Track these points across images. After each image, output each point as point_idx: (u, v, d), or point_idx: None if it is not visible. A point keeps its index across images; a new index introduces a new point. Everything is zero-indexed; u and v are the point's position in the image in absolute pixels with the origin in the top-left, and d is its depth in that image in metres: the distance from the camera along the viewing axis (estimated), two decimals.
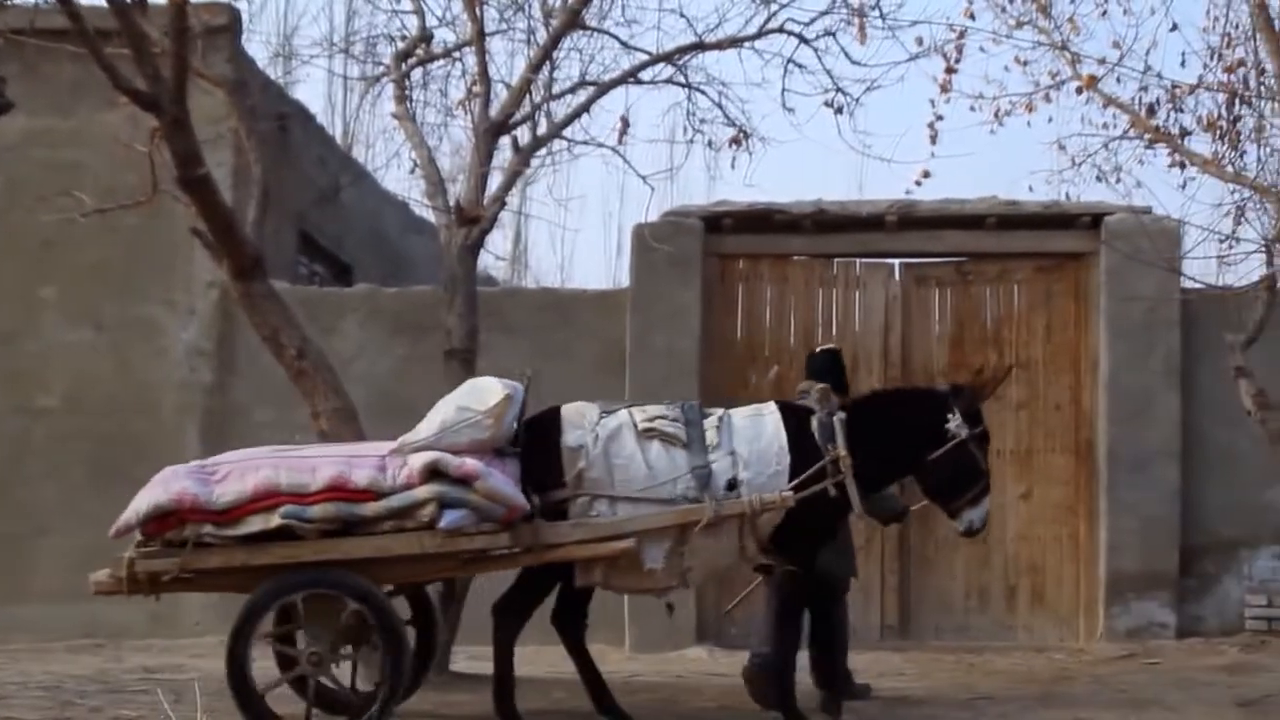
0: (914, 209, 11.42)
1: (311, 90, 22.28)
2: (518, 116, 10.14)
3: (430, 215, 11.55)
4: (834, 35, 10.75)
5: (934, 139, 12.10)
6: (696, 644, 10.88)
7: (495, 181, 9.96)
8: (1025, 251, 11.59)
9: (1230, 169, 11.00)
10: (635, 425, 7.41)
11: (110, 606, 11.30)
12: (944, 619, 11.34)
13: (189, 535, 6.75)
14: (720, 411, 7.63)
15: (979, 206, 11.43)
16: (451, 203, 9.73)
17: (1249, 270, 12.91)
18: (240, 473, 6.81)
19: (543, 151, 10.53)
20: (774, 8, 10.51)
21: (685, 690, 8.85)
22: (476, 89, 10.28)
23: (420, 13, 10.73)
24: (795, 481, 7.29)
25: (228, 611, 11.18)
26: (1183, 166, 11.68)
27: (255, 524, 6.75)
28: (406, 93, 10.55)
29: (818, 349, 9.12)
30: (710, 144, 11.22)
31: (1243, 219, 10.86)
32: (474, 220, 9.55)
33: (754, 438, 7.43)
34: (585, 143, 10.66)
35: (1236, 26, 11.55)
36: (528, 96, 10.22)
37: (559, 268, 24.66)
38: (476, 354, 9.64)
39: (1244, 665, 9.82)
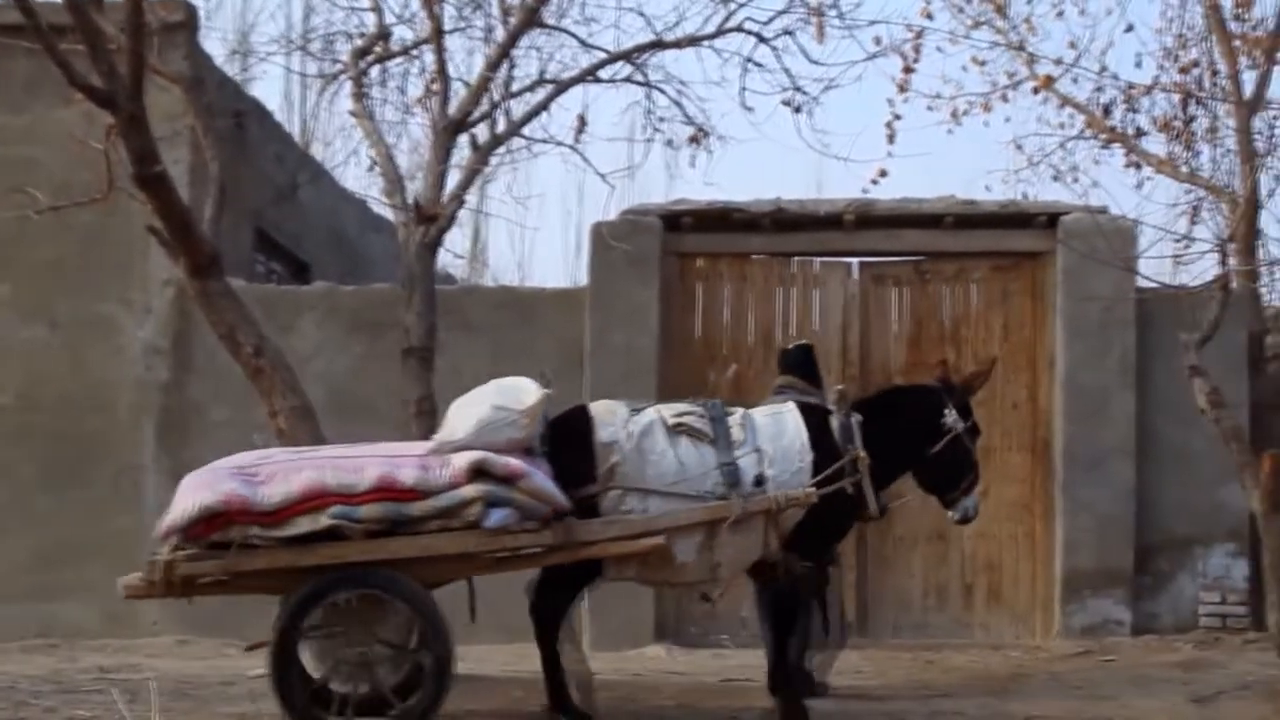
0: (872, 208, 11.45)
1: (269, 87, 22.17)
2: (476, 114, 10.12)
3: (389, 213, 11.52)
4: (792, 34, 10.79)
5: (892, 138, 12.19)
6: (655, 642, 10.88)
7: (454, 179, 9.95)
8: (982, 251, 11.62)
9: (1185, 169, 11.11)
10: (665, 422, 7.52)
11: (66, 606, 11.31)
12: (902, 617, 11.38)
13: (235, 537, 6.64)
14: (741, 410, 7.78)
15: (937, 206, 11.47)
16: (410, 201, 9.70)
17: (1203, 270, 13.03)
18: (285, 473, 6.74)
19: (501, 150, 10.52)
20: (732, 7, 10.55)
21: (643, 689, 8.85)
22: (435, 87, 10.27)
23: (378, 10, 10.72)
24: (817, 479, 7.46)
25: (185, 612, 11.18)
26: (1138, 167, 11.80)
27: (303, 525, 6.68)
28: (364, 90, 10.53)
29: (790, 344, 9.24)
30: (669, 143, 11.25)
31: (1197, 219, 10.98)
32: (432, 218, 9.53)
33: (777, 435, 7.60)
34: (544, 141, 10.68)
35: (1191, 28, 11.69)
36: (486, 94, 10.21)
37: (518, 266, 24.66)
38: (435, 352, 9.63)
39: (1198, 662, 9.89)
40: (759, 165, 21.79)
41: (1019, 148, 12.22)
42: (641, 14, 10.81)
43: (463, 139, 10.11)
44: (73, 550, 11.38)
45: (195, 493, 6.62)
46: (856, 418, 7.75)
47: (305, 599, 6.74)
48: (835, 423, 7.74)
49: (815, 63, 10.89)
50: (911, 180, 13.20)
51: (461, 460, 6.85)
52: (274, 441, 9.36)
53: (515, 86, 10.61)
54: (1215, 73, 11.34)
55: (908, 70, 12.08)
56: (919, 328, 11.65)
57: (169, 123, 10.53)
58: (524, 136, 10.51)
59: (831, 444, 7.64)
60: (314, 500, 6.66)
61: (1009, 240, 11.57)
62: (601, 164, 23.91)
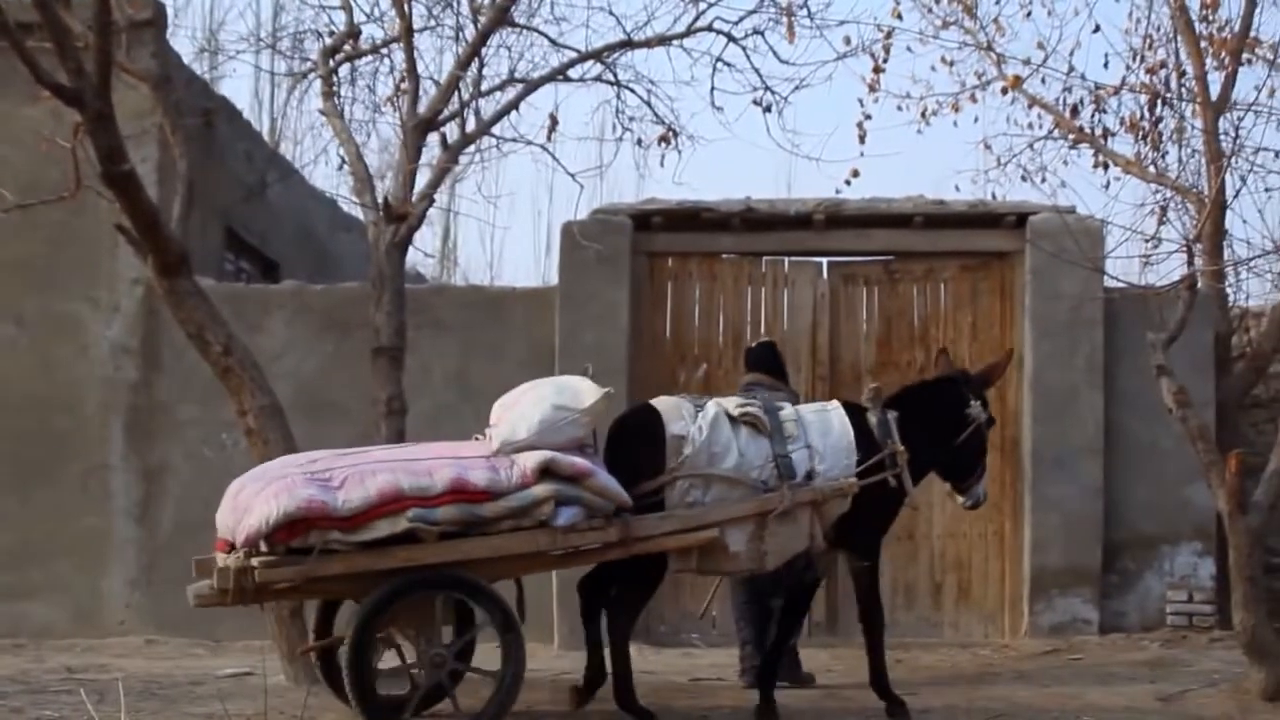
0: (842, 208, 11.47)
1: (238, 86, 22.07)
2: (446, 113, 10.12)
3: (358, 212, 11.49)
4: (762, 34, 10.82)
5: (863, 138, 12.21)
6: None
7: (423, 178, 9.94)
8: (952, 250, 11.65)
9: (1152, 169, 11.16)
10: (729, 413, 7.77)
11: (33, 606, 11.26)
12: None
13: (315, 542, 6.70)
14: (788, 406, 8.10)
15: (906, 206, 11.50)
16: (379, 200, 9.69)
17: (1170, 270, 13.10)
18: (359, 477, 6.81)
19: (471, 148, 10.52)
20: (702, 6, 10.59)
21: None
22: (404, 85, 10.26)
23: (348, 8, 10.69)
24: (859, 471, 7.81)
25: (152, 612, 11.21)
26: (1106, 167, 11.84)
27: (382, 528, 6.77)
28: (334, 89, 10.51)
29: (755, 342, 9.40)
30: (639, 142, 11.27)
31: (1164, 219, 11.02)
32: (402, 217, 9.52)
33: (825, 432, 7.91)
34: (514, 140, 10.68)
35: (1158, 29, 11.74)
36: (456, 93, 10.21)
37: (488, 265, 24.58)
38: (404, 351, 9.62)
39: (1164, 660, 9.95)
40: (729, 165, 21.86)
41: (988, 148, 12.27)
42: (612, 13, 10.82)
43: (433, 138, 10.12)
44: (40, 550, 11.33)
45: (275, 498, 6.64)
46: (892, 414, 8.06)
47: (382, 600, 6.86)
48: (873, 419, 8.03)
49: (785, 62, 10.94)
50: (881, 180, 13.27)
51: (530, 460, 7.02)
52: (242, 441, 9.36)
53: (485, 85, 10.61)
54: (1182, 74, 11.38)
55: (878, 70, 12.12)
56: (888, 327, 11.68)
57: (137, 121, 10.50)
58: (494, 135, 10.52)
59: (872, 440, 7.95)
60: (391, 504, 6.76)
61: (978, 240, 11.60)
62: (572, 163, 23.89)
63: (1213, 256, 10.47)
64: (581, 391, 7.40)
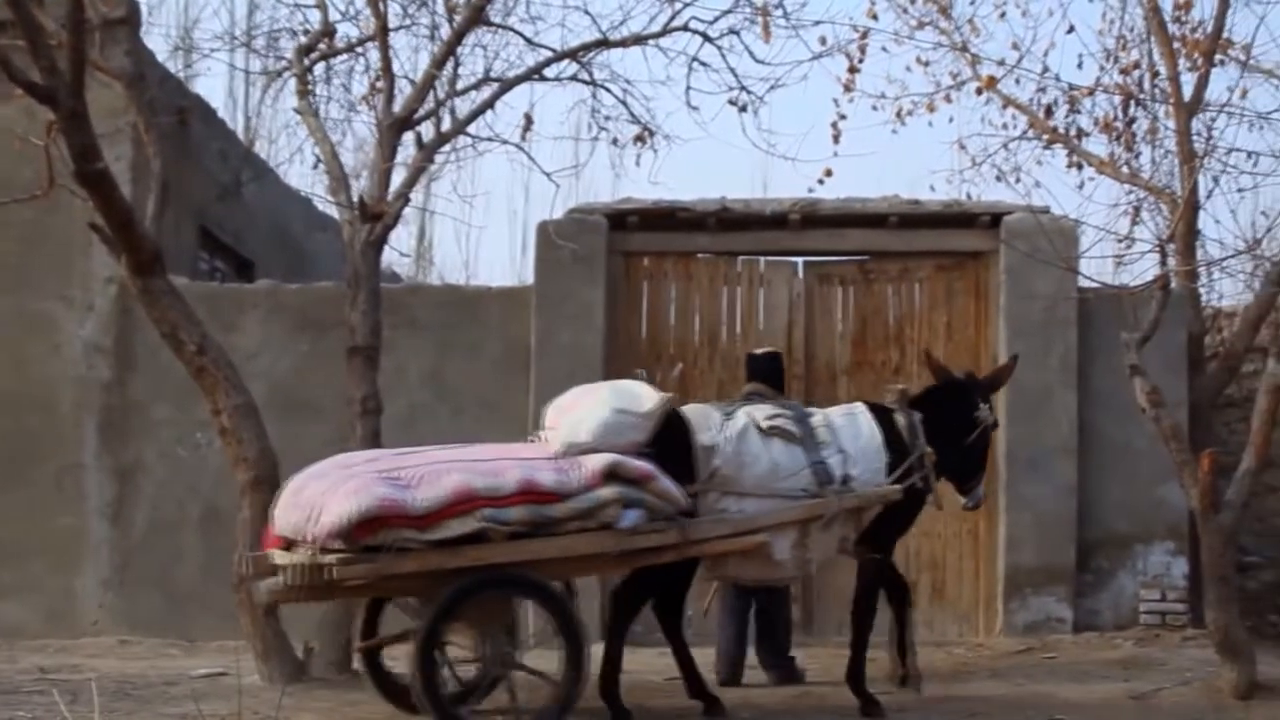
0: (817, 208, 11.48)
1: (212, 84, 22.06)
2: (421, 112, 10.10)
3: (333, 211, 11.47)
4: (738, 34, 10.82)
5: (837, 138, 12.22)
6: (600, 641, 10.85)
7: (399, 178, 9.92)
8: (926, 250, 11.67)
9: (1125, 170, 11.20)
10: (758, 424, 7.84)
11: (6, 606, 11.21)
12: (846, 615, 11.29)
13: (388, 540, 6.74)
14: (818, 410, 8.30)
15: (881, 205, 11.51)
16: (355, 199, 9.67)
17: (1144, 270, 13.13)
18: (432, 477, 6.88)
19: (447, 148, 10.50)
20: (678, 6, 10.56)
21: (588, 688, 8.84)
22: (380, 84, 10.23)
23: (323, 7, 10.66)
24: (893, 476, 8.02)
25: (125, 612, 11.17)
26: (1080, 167, 11.89)
27: (454, 528, 6.85)
28: (309, 88, 10.47)
29: (758, 351, 9.44)
30: (615, 141, 11.27)
31: (1138, 219, 11.07)
32: (377, 216, 9.50)
33: (856, 436, 8.07)
34: (489, 139, 10.67)
35: (1132, 30, 11.78)
36: (431, 92, 10.19)
37: (464, 264, 24.62)
38: (380, 351, 9.60)
39: (1138, 659, 9.98)
40: (705, 164, 21.87)
41: (963, 148, 12.31)
42: (587, 13, 10.78)
43: (408, 137, 10.08)
44: (13, 549, 11.28)
45: (352, 497, 6.68)
46: (917, 415, 8.27)
47: (453, 599, 6.94)
48: (901, 421, 8.23)
49: (761, 62, 10.93)
50: (857, 180, 13.34)
51: (596, 463, 7.15)
52: (217, 441, 9.34)
53: (461, 84, 10.60)
54: (1155, 74, 11.43)
55: (853, 70, 12.13)
56: (863, 327, 11.70)
57: (111, 119, 10.46)
58: (469, 135, 10.50)
59: (900, 442, 8.15)
60: (464, 504, 6.84)
61: (953, 240, 11.63)
62: (547, 163, 23.81)
63: (1186, 257, 10.53)
64: (641, 396, 7.59)
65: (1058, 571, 11.05)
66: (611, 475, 7.14)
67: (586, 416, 7.39)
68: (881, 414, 8.26)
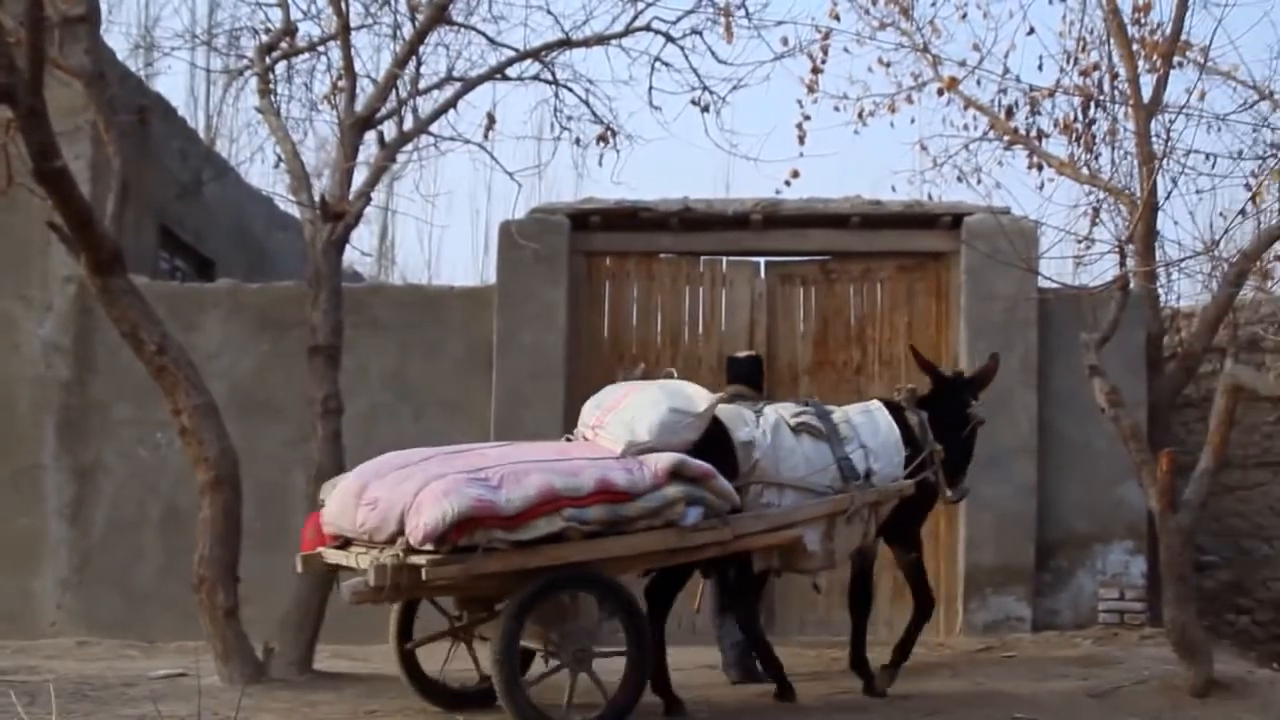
0: (779, 208, 11.51)
1: (173, 83, 21.86)
2: (383, 111, 10.07)
3: (295, 210, 11.42)
4: (700, 34, 10.82)
5: (802, 139, 12.24)
6: None
7: (360, 177, 9.88)
8: (888, 250, 11.71)
9: (1085, 171, 11.25)
10: (788, 421, 8.19)
11: None
12: (808, 614, 11.42)
13: (480, 541, 6.85)
14: (835, 408, 8.62)
15: (843, 206, 11.54)
16: (316, 198, 9.63)
17: (1103, 270, 13.22)
18: (515, 477, 6.99)
19: (409, 147, 10.46)
20: (640, 6, 10.56)
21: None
22: (341, 83, 10.20)
23: (284, 6, 10.61)
24: (908, 471, 8.51)
25: (83, 613, 11.10)
26: (1040, 168, 11.93)
27: (541, 527, 6.99)
28: (270, 86, 10.43)
29: (740, 355, 9.65)
30: (577, 141, 11.25)
31: (1097, 220, 11.12)
32: (339, 215, 9.48)
33: (875, 432, 8.48)
34: (452, 139, 10.63)
35: (1091, 32, 11.82)
36: (394, 91, 10.16)
37: (426, 264, 24.55)
38: (341, 350, 9.57)
39: (1096, 657, 10.03)
40: (667, 165, 21.92)
41: (924, 149, 12.33)
42: (550, 12, 10.76)
43: (370, 136, 10.05)
44: None
45: (447, 499, 6.74)
46: (924, 414, 8.76)
47: (533, 597, 7.06)
48: (913, 419, 8.71)
49: (723, 62, 10.94)
50: (818, 180, 13.34)
51: (662, 462, 7.35)
52: (177, 441, 9.30)
53: (423, 84, 10.56)
54: (1115, 76, 11.49)
55: (815, 71, 12.15)
56: (825, 327, 11.73)
57: (70, 117, 10.39)
58: (431, 134, 10.47)
59: (913, 439, 8.63)
60: (549, 504, 6.99)
61: (914, 240, 11.67)
62: (510, 162, 23.75)
63: (1145, 257, 10.58)
64: (694, 396, 7.79)
65: (1017, 571, 11.10)
66: (676, 474, 7.35)
67: (642, 415, 7.57)
68: (895, 411, 8.66)
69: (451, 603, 8.10)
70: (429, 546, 6.72)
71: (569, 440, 8.07)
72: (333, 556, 7.44)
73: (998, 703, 8.32)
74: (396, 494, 6.95)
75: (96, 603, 11.22)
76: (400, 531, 6.86)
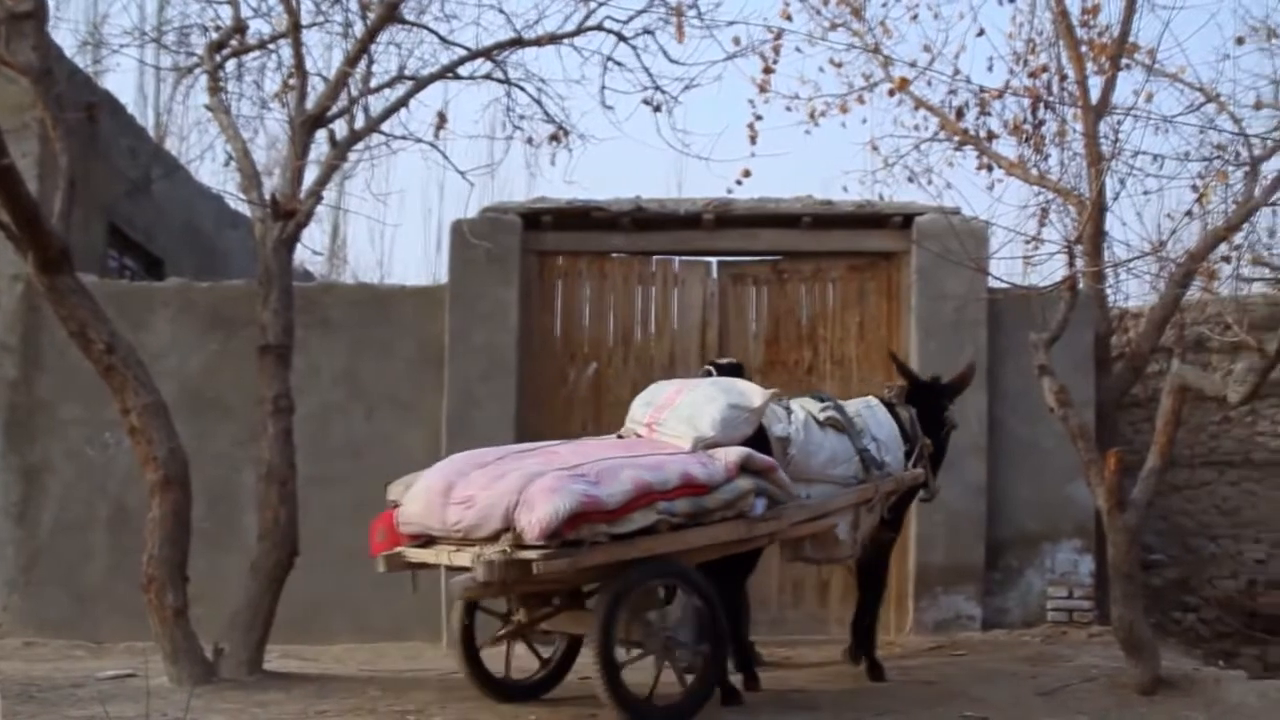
0: (731, 208, 11.54)
1: (122, 80, 21.73)
2: (334, 110, 10.02)
3: (245, 209, 11.36)
4: (652, 34, 10.80)
5: (754, 139, 12.24)
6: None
7: (312, 175, 9.84)
8: (839, 250, 11.76)
9: (1034, 172, 11.28)
10: (815, 417, 8.59)
11: None
12: (759, 613, 11.39)
13: (586, 536, 7.05)
14: (845, 403, 9.05)
15: (794, 206, 11.58)
16: (267, 196, 9.59)
17: (1052, 271, 13.28)
18: (610, 473, 7.25)
19: (360, 145, 10.41)
20: (592, 5, 10.53)
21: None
22: (292, 81, 10.14)
23: (234, 3, 10.54)
24: (909, 463, 9.08)
25: (30, 613, 11.02)
26: (990, 169, 11.95)
27: (637, 521, 7.25)
28: (220, 84, 10.36)
29: (721, 361, 9.82)
30: (530, 140, 11.20)
31: (1046, 221, 11.16)
32: (289, 214, 9.44)
33: (879, 426, 8.94)
34: (403, 138, 10.57)
35: (1040, 33, 11.84)
36: (345, 90, 10.11)
37: (378, 263, 24.46)
38: (292, 349, 9.53)
39: (1045, 655, 10.10)
40: (620, 164, 21.89)
41: (875, 149, 12.31)
42: (502, 11, 10.70)
43: (321, 134, 10.00)
44: None
45: (554, 495, 6.94)
46: (913, 410, 9.28)
47: (628, 589, 7.32)
48: (904, 415, 9.21)
49: (675, 62, 10.92)
50: (770, 181, 13.33)
51: (732, 455, 7.68)
52: (125, 440, 9.23)
53: (374, 82, 10.50)
54: (1064, 77, 11.52)
55: (767, 71, 12.16)
56: (777, 326, 11.77)
57: (17, 115, 10.36)
58: (383, 133, 10.42)
59: (906, 434, 9.12)
60: (644, 498, 7.27)
61: (865, 240, 11.73)
62: (462, 161, 23.75)
63: (1093, 258, 10.62)
64: (748, 392, 8.13)
65: (967, 570, 11.16)
66: (745, 467, 7.69)
67: (702, 411, 7.90)
68: (889, 408, 9.11)
69: (508, 601, 8.29)
70: (540, 541, 6.92)
71: (620, 438, 8.35)
72: (416, 555, 7.66)
73: (947, 701, 8.36)
74: (495, 492, 7.17)
75: (44, 603, 11.14)
76: (506, 528, 7.06)
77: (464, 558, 7.24)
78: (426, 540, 7.65)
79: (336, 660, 10.14)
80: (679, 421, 7.92)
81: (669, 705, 7.41)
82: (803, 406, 8.63)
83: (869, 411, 9.01)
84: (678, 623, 7.77)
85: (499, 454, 7.69)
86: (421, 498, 7.55)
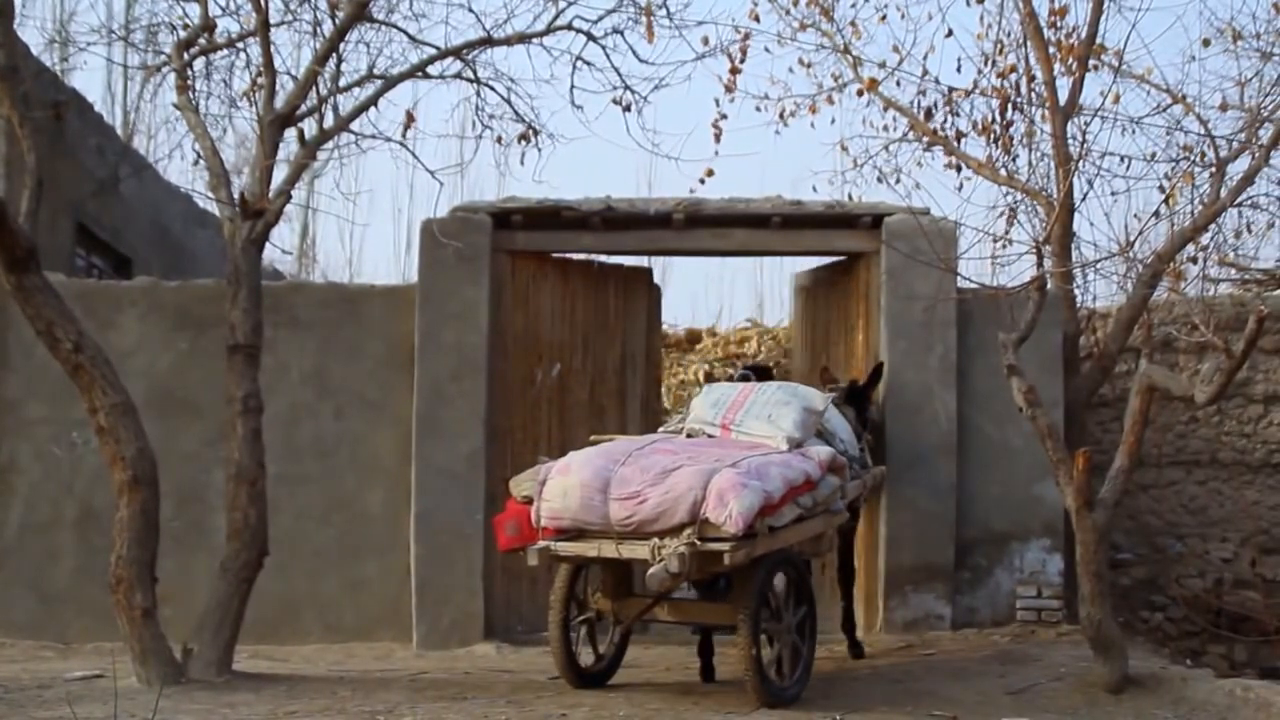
0: (701, 208, 11.54)
1: (89, 78, 21.63)
2: (304, 109, 10.01)
3: (214, 208, 11.33)
4: (622, 33, 10.82)
5: (719, 138, 12.28)
6: (484, 640, 10.85)
7: (281, 174, 9.82)
8: (809, 250, 11.79)
9: (1003, 172, 11.35)
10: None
11: None
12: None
13: (758, 528, 7.62)
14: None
15: (764, 206, 11.59)
16: (236, 195, 9.57)
17: (1021, 271, 13.33)
18: (763, 470, 7.81)
19: (329, 145, 10.40)
20: (562, 4, 10.55)
21: (473, 687, 8.83)
22: (261, 80, 10.12)
23: (203, 1, 10.52)
24: (862, 459, 9.79)
25: None
26: (959, 169, 12.03)
27: (786, 515, 7.93)
28: (189, 83, 10.33)
29: (752, 365, 10.53)
30: (499, 140, 11.21)
31: (1014, 221, 11.23)
32: (258, 213, 9.42)
33: (840, 426, 9.50)
34: (372, 137, 10.56)
35: (1009, 34, 11.93)
36: (314, 89, 10.09)
37: (347, 262, 24.40)
38: (261, 349, 9.51)
39: (1014, 655, 10.13)
40: (590, 164, 21.90)
41: (845, 149, 12.40)
42: (471, 10, 10.71)
43: (290, 133, 9.98)
44: None
45: (742, 490, 7.50)
46: (850, 410, 9.88)
47: (769, 577, 8.01)
48: (849, 414, 9.82)
49: (645, 62, 10.95)
50: (741, 181, 13.41)
51: (822, 454, 8.40)
52: (93, 440, 9.19)
53: (344, 81, 10.49)
54: (1032, 78, 11.60)
55: (735, 71, 12.19)
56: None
57: None
58: (352, 132, 10.41)
59: (852, 432, 9.67)
60: (792, 492, 7.95)
61: (835, 240, 11.74)
62: (431, 160, 23.77)
63: (1061, 258, 10.69)
64: (812, 395, 8.94)
65: (936, 569, 11.18)
66: (830, 466, 8.41)
67: (782, 414, 8.57)
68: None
69: (594, 591, 8.74)
70: (740, 533, 7.45)
71: (690, 436, 8.81)
72: (569, 548, 8.03)
73: (916, 700, 8.38)
74: (673, 488, 7.66)
75: (10, 604, 11.08)
76: (690, 522, 7.56)
77: (638, 550, 7.71)
78: (577, 534, 8.03)
79: (306, 660, 10.12)
80: (761, 423, 8.53)
81: (794, 682, 8.15)
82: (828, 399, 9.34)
83: (831, 412, 9.38)
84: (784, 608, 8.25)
85: (625, 451, 8.14)
86: (576, 493, 7.93)
